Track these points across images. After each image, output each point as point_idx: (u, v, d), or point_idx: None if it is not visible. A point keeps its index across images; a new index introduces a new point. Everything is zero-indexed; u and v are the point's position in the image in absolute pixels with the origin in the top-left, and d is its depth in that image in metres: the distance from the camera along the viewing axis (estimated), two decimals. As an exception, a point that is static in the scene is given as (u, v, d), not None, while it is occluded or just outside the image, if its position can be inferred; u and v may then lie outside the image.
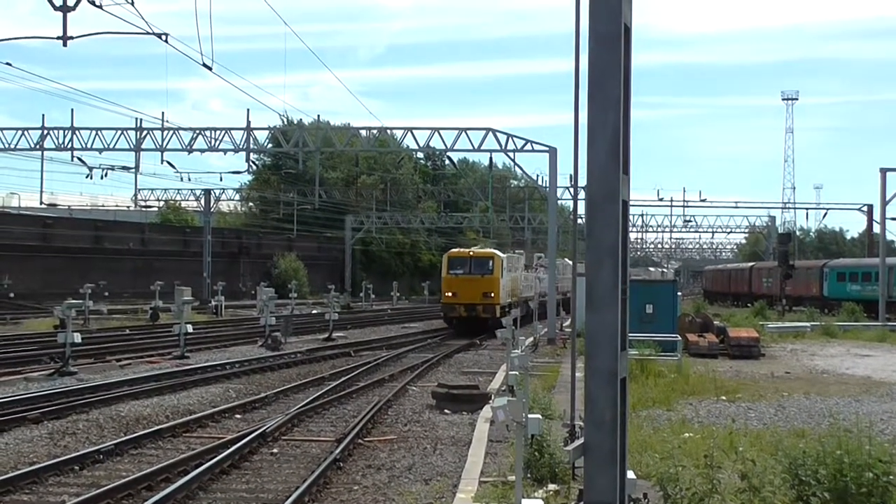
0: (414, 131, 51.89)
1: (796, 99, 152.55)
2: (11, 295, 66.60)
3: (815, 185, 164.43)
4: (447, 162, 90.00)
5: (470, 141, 50.39)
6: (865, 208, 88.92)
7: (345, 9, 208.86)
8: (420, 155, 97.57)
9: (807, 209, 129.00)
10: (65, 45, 22.54)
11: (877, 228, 69.82)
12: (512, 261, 58.01)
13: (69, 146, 51.76)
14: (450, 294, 51.14)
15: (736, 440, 16.34)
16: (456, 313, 50.69)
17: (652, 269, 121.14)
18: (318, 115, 64.48)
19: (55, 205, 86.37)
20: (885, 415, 21.89)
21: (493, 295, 49.97)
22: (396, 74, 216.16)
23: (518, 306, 52.51)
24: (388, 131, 57.52)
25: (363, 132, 59.00)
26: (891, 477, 11.28)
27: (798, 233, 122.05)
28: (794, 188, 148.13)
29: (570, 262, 69.93)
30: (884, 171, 60.83)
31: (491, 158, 61.92)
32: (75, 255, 74.48)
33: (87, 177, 62.34)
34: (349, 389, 26.04)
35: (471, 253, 52.31)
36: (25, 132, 51.70)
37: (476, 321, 49.53)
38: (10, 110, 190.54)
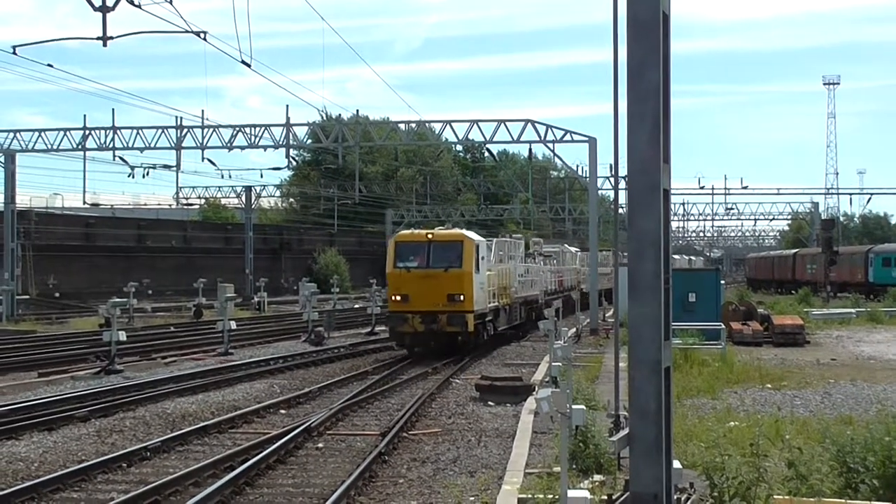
0: (452, 124, 51.82)
1: (838, 83, 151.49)
2: (57, 294, 67.30)
3: (858, 170, 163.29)
4: (486, 154, 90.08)
5: (509, 132, 50.24)
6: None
7: (381, 3, 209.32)
8: (459, 147, 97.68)
9: (850, 194, 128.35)
10: (105, 45, 22.73)
11: (922, 212, 68.87)
12: (502, 247, 40.83)
13: (111, 146, 52.15)
14: (398, 298, 32.58)
15: (782, 428, 16.23)
16: (407, 327, 32.19)
17: (677, 256, 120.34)
18: (357, 110, 64.47)
19: (98, 204, 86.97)
20: (933, 401, 21.68)
21: (461, 298, 31.86)
22: (434, 68, 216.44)
23: (511, 312, 39.45)
24: (427, 124, 57.61)
25: (402, 126, 59.01)
26: (939, 463, 11.21)
27: (842, 218, 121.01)
28: (837, 174, 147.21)
29: (571, 249, 68.60)
30: (928, 155, 60.02)
31: (530, 150, 61.78)
32: (119, 253, 75.16)
33: (128, 176, 62.93)
34: (393, 383, 26.10)
35: (429, 235, 33.73)
36: (67, 133, 52.16)
37: (438, 338, 32.33)
38: (53, 111, 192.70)
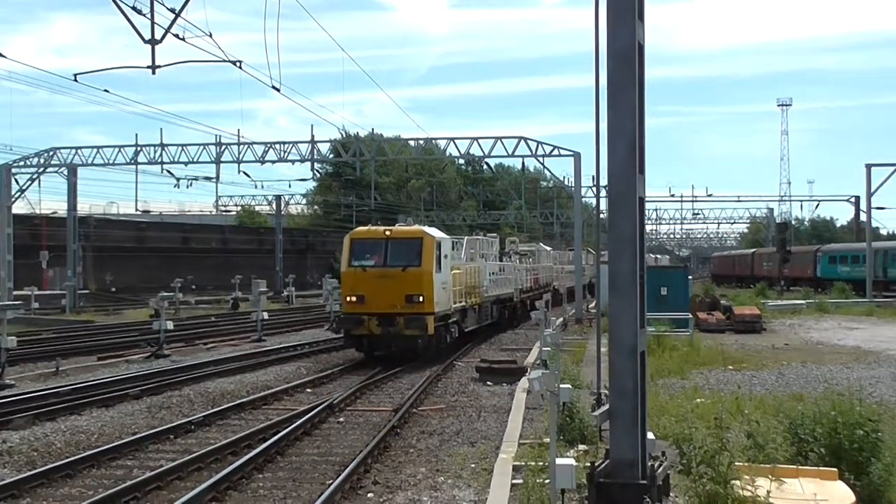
0: (455, 140, 51.77)
1: (790, 105, 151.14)
2: (113, 289, 67.39)
3: (807, 180, 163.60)
4: (485, 166, 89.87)
5: (504, 148, 50.21)
6: (853, 199, 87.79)
7: (392, 36, 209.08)
8: (461, 161, 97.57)
9: (801, 201, 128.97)
10: (153, 73, 22.73)
11: (863, 217, 69.03)
12: (473, 245, 36.22)
13: (159, 160, 52.16)
14: (353, 299, 27.12)
15: (742, 404, 16.22)
16: (363, 330, 26.76)
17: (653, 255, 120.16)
18: (373, 129, 64.89)
19: (148, 211, 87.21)
20: (872, 380, 21.67)
21: (420, 299, 26.56)
22: (439, 92, 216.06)
23: (482, 311, 33.92)
24: (433, 141, 57.42)
25: (411, 142, 59.22)
26: (878, 434, 11.21)
27: (793, 222, 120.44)
28: (790, 183, 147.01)
29: (546, 248, 61.53)
30: (869, 167, 60.40)
31: (523, 163, 61.75)
32: (166, 254, 75.16)
33: (174, 186, 62.91)
34: (404, 365, 26.08)
35: (386, 232, 27.92)
36: (122, 149, 52.12)
37: (396, 342, 26.87)
38: (109, 130, 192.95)
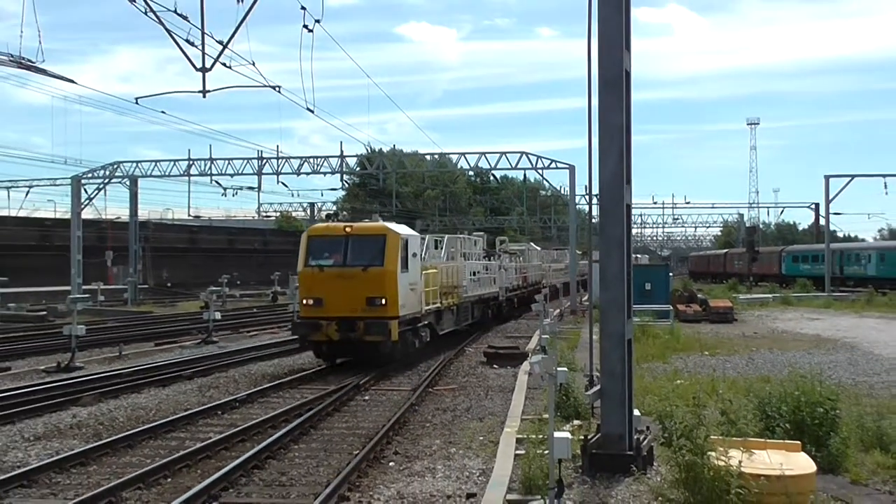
0: (466, 155, 51.67)
1: (758, 123, 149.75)
2: (169, 284, 67.62)
3: (773, 189, 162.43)
4: (491, 178, 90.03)
5: (508, 161, 50.12)
6: (813, 206, 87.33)
7: (411, 64, 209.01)
8: (471, 173, 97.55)
9: (767, 208, 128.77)
10: (204, 96, 22.78)
11: (823, 221, 68.85)
12: (453, 244, 31.14)
13: (209, 172, 52.15)
14: (310, 302, 22.05)
15: (716, 385, 16.19)
16: (321, 335, 21.68)
17: (636, 255, 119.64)
18: (394, 145, 64.87)
19: (199, 216, 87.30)
20: (831, 364, 21.55)
21: (382, 302, 21.50)
22: (451, 113, 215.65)
23: (460, 312, 28.60)
24: (447, 155, 57.46)
25: (427, 157, 59.43)
26: (836, 412, 11.22)
27: (761, 226, 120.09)
28: (758, 192, 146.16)
29: (536, 248, 56.24)
30: (827, 178, 60.38)
31: (525, 174, 62.06)
32: (215, 254, 75.42)
33: (222, 195, 63.37)
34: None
35: (346, 229, 22.48)
36: (176, 163, 52.16)
37: (357, 347, 21.80)
38: (165, 147, 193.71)
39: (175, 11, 19.57)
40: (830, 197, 60.07)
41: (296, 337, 24.08)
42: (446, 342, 26.88)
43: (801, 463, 8.96)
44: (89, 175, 52.18)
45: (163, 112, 48.93)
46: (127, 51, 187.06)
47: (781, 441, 9.87)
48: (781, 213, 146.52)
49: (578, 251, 57.62)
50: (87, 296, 32.39)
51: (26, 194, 67.64)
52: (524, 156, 49.56)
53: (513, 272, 40.89)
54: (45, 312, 42.20)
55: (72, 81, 19.80)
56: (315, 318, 21.46)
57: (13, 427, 14.86)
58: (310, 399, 17.09)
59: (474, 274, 31.50)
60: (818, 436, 10.84)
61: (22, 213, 68.76)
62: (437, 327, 25.68)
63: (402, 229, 23.11)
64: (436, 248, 29.79)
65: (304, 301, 21.91)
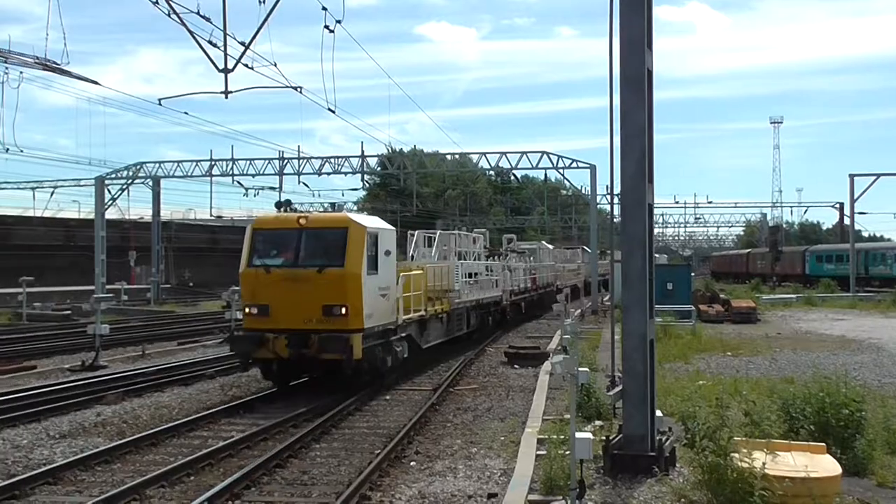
0: (486, 155, 51.67)
1: (781, 122, 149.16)
2: (191, 284, 68.02)
3: (797, 188, 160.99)
4: (512, 177, 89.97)
5: (529, 161, 50.08)
6: (838, 205, 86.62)
7: (431, 64, 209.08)
8: (492, 172, 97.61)
9: (791, 207, 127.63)
10: (226, 97, 22.85)
11: (847, 221, 68.33)
12: (446, 241, 27.60)
13: (230, 173, 52.43)
14: (253, 311, 17.75)
15: (739, 386, 16.10)
16: (266, 352, 17.34)
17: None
18: (415, 145, 64.98)
19: (221, 217, 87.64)
20: (856, 365, 21.37)
21: (342, 311, 17.09)
22: (472, 112, 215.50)
23: (451, 320, 24.66)
24: (467, 155, 57.39)
25: (448, 157, 59.37)
26: (862, 413, 11.12)
27: (784, 225, 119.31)
28: (781, 191, 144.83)
29: (548, 247, 51.66)
30: (852, 177, 59.97)
31: (545, 174, 61.91)
32: (236, 253, 75.41)
33: (243, 195, 63.23)
34: (442, 351, 25.92)
35: (301, 220, 17.93)
36: (198, 163, 52.48)
37: (311, 367, 18.23)
38: (187, 147, 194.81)
39: (198, 13, 19.67)
40: (855, 196, 59.71)
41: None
42: (444, 350, 26.42)
43: (825, 465, 8.89)
44: (113, 176, 52.60)
45: (185, 113, 49.36)
46: (150, 52, 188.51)
47: (806, 443, 9.79)
48: (805, 212, 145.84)
49: (584, 249, 57.05)
50: (110, 295, 32.61)
51: (51, 195, 68.23)
52: (545, 155, 49.49)
53: (521, 273, 37.41)
54: (69, 312, 42.59)
55: (96, 83, 19.96)
56: (260, 330, 17.19)
57: (39, 425, 14.99)
58: (333, 398, 17.08)
59: (471, 276, 27.77)
60: (843, 438, 10.75)
61: (47, 214, 69.37)
62: (421, 339, 21.74)
63: (370, 221, 18.83)
64: (427, 245, 26.69)
65: (247, 309, 17.63)
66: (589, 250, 65.21)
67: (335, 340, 16.65)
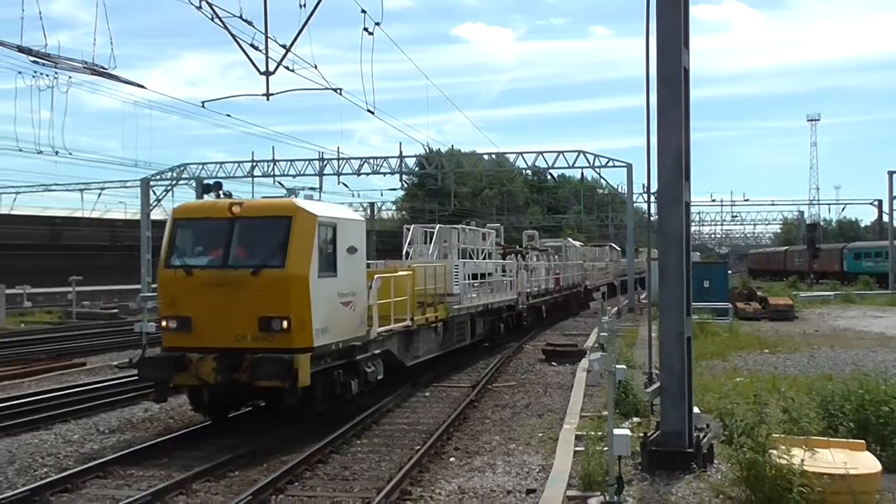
0: (523, 154, 51.56)
1: (818, 119, 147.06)
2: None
3: (834, 186, 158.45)
4: (549, 176, 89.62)
5: (566, 160, 49.92)
6: (876, 203, 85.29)
7: (468, 65, 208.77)
8: (528, 172, 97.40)
9: (829, 205, 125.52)
10: (267, 99, 22.98)
11: (886, 218, 67.35)
12: (446, 236, 23.77)
13: (272, 173, 52.91)
14: (171, 323, 13.57)
15: (777, 383, 15.92)
16: (188, 376, 13.13)
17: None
18: (452, 145, 65.05)
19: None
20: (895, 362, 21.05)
21: (284, 325, 12.89)
22: (508, 113, 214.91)
23: (449, 330, 21.08)
24: (504, 155, 57.38)
25: (485, 156, 59.44)
26: (902, 411, 10.94)
27: (822, 223, 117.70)
28: (818, 188, 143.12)
29: (575, 244, 47.40)
30: (891, 174, 59.16)
31: (582, 173, 60.96)
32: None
33: (284, 195, 63.75)
34: (480, 349, 25.95)
35: (234, 209, 13.63)
36: (240, 164, 53.03)
37: (245, 395, 14.43)
38: (229, 149, 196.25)
39: (240, 17, 19.81)
40: (894, 193, 58.80)
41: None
42: (481, 349, 25.90)
43: (865, 462, 8.78)
44: (157, 177, 53.25)
45: (228, 115, 49.39)
46: (193, 56, 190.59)
47: (845, 440, 9.68)
48: (843, 209, 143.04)
49: (613, 246, 56.23)
50: (156, 294, 33.01)
51: (98, 196, 69.10)
52: (581, 154, 49.28)
53: (542, 273, 33.92)
54: (116, 310, 43.22)
55: (141, 86, 20.19)
56: (180, 349, 13.34)
57: (89, 420, 15.25)
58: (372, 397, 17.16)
59: (477, 277, 24.05)
60: (883, 435, 10.62)
61: (94, 215, 70.41)
62: (406, 355, 18.02)
63: (326, 208, 14.66)
64: (425, 242, 23.41)
65: (164, 323, 13.72)
66: (617, 248, 64.83)
67: (273, 363, 12.66)
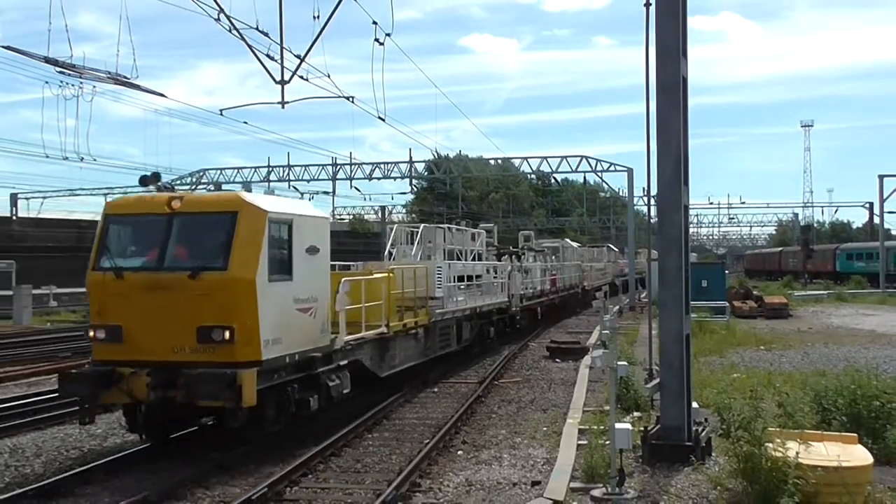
0: (528, 159, 51.89)
1: (812, 126, 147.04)
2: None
3: (827, 189, 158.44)
4: (553, 181, 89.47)
5: (569, 165, 50.19)
6: (867, 205, 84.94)
7: (475, 74, 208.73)
8: (533, 176, 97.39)
9: (822, 207, 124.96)
10: (282, 107, 23.03)
11: (877, 220, 67.24)
12: (430, 236, 21.57)
13: (287, 178, 53.19)
14: (100, 334, 11.45)
15: (773, 379, 15.88)
16: (119, 393, 11.12)
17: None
18: (460, 151, 65.08)
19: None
20: (887, 358, 20.93)
21: (226, 335, 10.85)
22: (513, 120, 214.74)
23: (430, 337, 18.91)
24: (510, 160, 57.50)
25: (491, 161, 59.61)
26: (893, 405, 10.96)
27: (815, 225, 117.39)
28: (812, 192, 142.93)
29: (573, 244, 44.59)
30: (881, 177, 59.21)
31: (585, 177, 61.53)
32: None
33: (299, 199, 64.00)
34: (486, 347, 25.88)
35: (173, 203, 11.56)
36: (256, 169, 53.40)
37: (189, 412, 11.87)
38: (246, 155, 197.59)
39: (257, 28, 19.85)
40: (884, 196, 58.98)
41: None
42: (488, 346, 26.10)
43: (858, 454, 8.75)
44: (177, 182, 53.45)
45: (245, 122, 49.78)
46: (211, 66, 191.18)
47: (838, 433, 9.65)
48: (836, 212, 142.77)
49: (610, 247, 55.91)
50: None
51: (121, 200, 69.40)
52: (584, 159, 49.41)
53: (537, 274, 32.24)
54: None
55: (162, 95, 20.23)
56: (110, 362, 11.39)
57: (112, 415, 15.23)
58: (383, 393, 17.16)
59: (464, 279, 21.96)
60: (875, 428, 10.59)
61: (118, 218, 70.58)
62: (380, 365, 15.83)
63: (277, 203, 12.44)
64: (409, 242, 21.68)
65: (93, 332, 11.72)
66: (615, 248, 64.63)
67: (213, 379, 10.72)
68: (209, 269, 11.16)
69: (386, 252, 20.60)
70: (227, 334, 10.89)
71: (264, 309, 11.26)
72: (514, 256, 29.54)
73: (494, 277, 25.01)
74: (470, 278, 22.60)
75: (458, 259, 22.23)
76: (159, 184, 12.49)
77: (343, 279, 14.06)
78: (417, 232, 21.46)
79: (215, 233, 11.47)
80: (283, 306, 11.80)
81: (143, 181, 12.57)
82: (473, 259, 23.69)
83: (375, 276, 16.37)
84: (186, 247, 11.57)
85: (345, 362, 13.83)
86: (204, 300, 11.00)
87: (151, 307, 11.20)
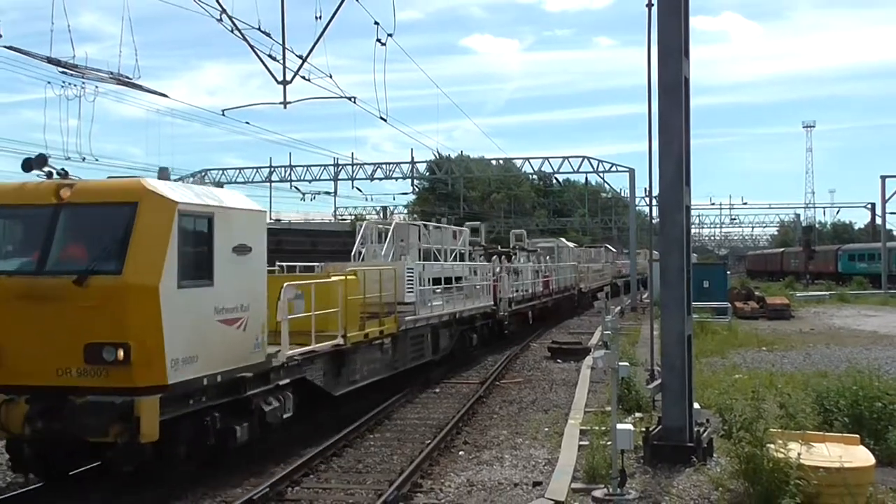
0: (530, 160, 51.87)
1: (814, 126, 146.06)
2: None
3: (829, 190, 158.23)
4: (554, 181, 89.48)
5: (570, 165, 50.15)
6: (869, 206, 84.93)
7: (476, 75, 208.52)
8: (534, 176, 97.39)
9: (823, 208, 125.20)
10: (284, 108, 22.94)
11: (879, 220, 67.21)
12: (402, 234, 19.42)
13: (289, 178, 53.26)
14: None
15: (775, 379, 15.87)
16: None
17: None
18: (461, 151, 65.09)
19: (280, 220, 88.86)
20: (889, 359, 20.91)
21: (120, 355, 8.57)
22: (515, 120, 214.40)
23: (399, 348, 16.47)
24: (511, 160, 57.53)
25: (493, 162, 59.67)
26: (895, 406, 10.90)
27: (817, 225, 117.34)
28: (814, 192, 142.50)
29: (569, 245, 42.30)
30: (883, 178, 58.96)
31: (586, 178, 61.25)
32: (299, 255, 76.31)
33: (301, 199, 63.88)
34: (489, 347, 25.85)
35: (62, 193, 9.19)
36: (259, 170, 53.44)
37: (71, 450, 9.62)
38: (248, 155, 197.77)
39: (259, 28, 19.83)
40: (886, 196, 58.86)
41: None
42: (491, 345, 26.26)
43: (859, 455, 8.73)
44: (179, 182, 53.55)
45: (247, 123, 49.79)
46: (214, 66, 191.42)
47: (840, 434, 9.63)
48: (837, 213, 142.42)
49: (608, 247, 55.70)
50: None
51: (124, 200, 69.53)
52: (586, 160, 49.38)
53: (528, 276, 30.00)
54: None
55: (164, 96, 20.18)
56: None
57: None
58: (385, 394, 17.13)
59: (440, 283, 19.78)
60: (877, 429, 10.57)
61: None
62: (333, 382, 13.57)
63: (191, 193, 10.10)
64: (380, 241, 19.53)
65: None
66: (613, 249, 64.49)
67: (101, 409, 8.80)
68: (99, 273, 8.95)
69: (354, 251, 18.72)
70: (120, 353, 8.75)
71: (171, 322, 9.03)
72: (503, 257, 27.65)
73: (474, 280, 22.82)
74: (450, 280, 20.51)
75: (437, 259, 20.26)
76: (47, 169, 9.88)
77: (286, 284, 11.75)
78: (388, 230, 19.28)
79: (110, 228, 9.24)
80: (199, 318, 9.58)
81: (27, 165, 9.85)
82: (455, 259, 21.75)
83: (333, 278, 14.07)
84: (75, 246, 9.39)
85: (287, 381, 11.66)
86: (93, 312, 8.83)
87: (30, 320, 9.05)
